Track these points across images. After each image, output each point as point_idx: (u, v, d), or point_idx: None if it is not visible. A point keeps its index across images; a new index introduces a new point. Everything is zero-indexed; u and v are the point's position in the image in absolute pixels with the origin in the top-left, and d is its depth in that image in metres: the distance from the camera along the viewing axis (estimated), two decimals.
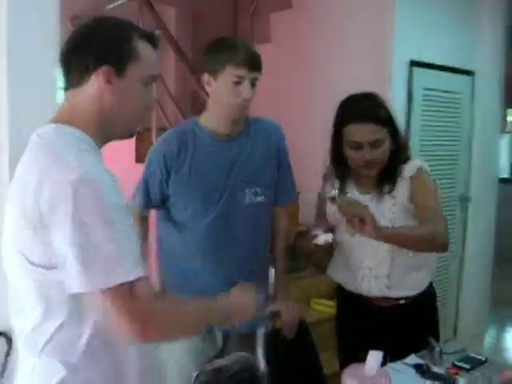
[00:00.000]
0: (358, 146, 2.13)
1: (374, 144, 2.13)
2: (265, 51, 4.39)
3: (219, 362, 1.75)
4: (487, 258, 4.87)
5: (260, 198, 2.23)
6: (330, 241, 2.12)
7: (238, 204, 2.19)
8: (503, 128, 7.50)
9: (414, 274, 2.27)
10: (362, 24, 3.95)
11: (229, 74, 2.06)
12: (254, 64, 2.10)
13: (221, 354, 1.88)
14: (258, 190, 2.22)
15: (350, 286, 2.33)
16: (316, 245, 2.12)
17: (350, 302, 2.36)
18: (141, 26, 3.58)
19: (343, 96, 2.23)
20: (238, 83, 2.07)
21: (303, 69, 4.29)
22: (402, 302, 2.27)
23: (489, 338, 5.10)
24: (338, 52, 4.09)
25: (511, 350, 5.02)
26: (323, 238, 2.10)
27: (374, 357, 1.66)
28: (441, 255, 2.75)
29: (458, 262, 4.58)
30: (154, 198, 2.24)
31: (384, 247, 2.19)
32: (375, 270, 2.24)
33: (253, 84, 2.11)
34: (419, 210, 2.20)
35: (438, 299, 2.45)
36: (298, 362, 2.15)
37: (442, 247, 2.19)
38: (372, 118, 2.12)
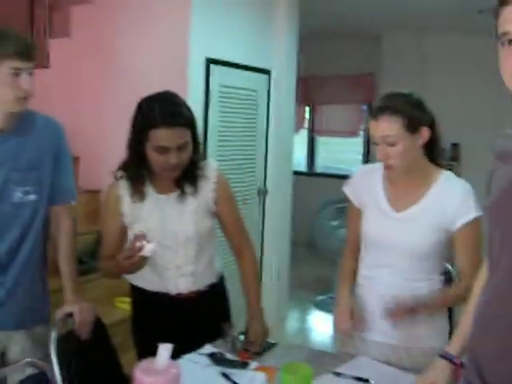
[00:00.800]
0: (165, 150, 2.06)
1: (182, 147, 2.08)
2: (63, 45, 4.31)
3: (2, 372, 1.67)
4: (285, 245, 5.16)
5: (32, 197, 2.15)
6: (156, 248, 2.03)
7: (7, 203, 2.11)
8: (301, 124, 8.00)
9: (213, 265, 2.37)
10: (159, 21, 3.98)
11: (6, 66, 1.98)
12: (30, 54, 2.04)
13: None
14: (30, 188, 2.14)
15: (154, 287, 2.31)
16: (142, 256, 2.01)
17: (149, 302, 2.34)
18: None
19: (143, 93, 2.15)
20: (15, 75, 2.00)
21: (102, 65, 4.22)
22: (204, 289, 2.32)
23: (292, 321, 5.41)
24: (137, 48, 4.08)
25: (313, 331, 5.34)
26: (149, 248, 2.00)
27: (164, 350, 1.70)
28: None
29: (257, 251, 4.75)
30: None
31: (190, 247, 2.24)
32: (182, 269, 2.26)
33: (30, 74, 2.04)
34: (232, 225, 2.34)
35: (238, 288, 2.47)
36: (95, 362, 2.13)
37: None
38: (179, 121, 2.06)
